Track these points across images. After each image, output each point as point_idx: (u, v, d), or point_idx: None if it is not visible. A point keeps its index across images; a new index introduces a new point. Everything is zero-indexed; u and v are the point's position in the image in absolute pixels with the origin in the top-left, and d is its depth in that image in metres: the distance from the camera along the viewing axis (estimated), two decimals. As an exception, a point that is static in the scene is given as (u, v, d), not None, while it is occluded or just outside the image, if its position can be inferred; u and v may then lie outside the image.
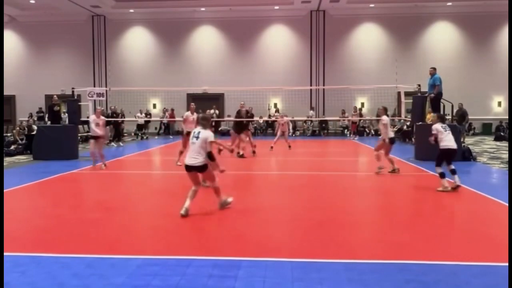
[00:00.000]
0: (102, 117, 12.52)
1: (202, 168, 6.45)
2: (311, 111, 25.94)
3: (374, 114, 25.14)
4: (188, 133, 11.96)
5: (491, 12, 25.12)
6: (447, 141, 8.43)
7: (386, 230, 5.94)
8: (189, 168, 6.48)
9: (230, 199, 6.89)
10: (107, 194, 8.70)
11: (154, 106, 27.48)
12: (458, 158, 12.51)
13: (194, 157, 6.40)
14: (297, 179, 10.28)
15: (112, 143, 20.06)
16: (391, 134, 10.71)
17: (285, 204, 7.53)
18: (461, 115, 18.34)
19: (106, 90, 20.98)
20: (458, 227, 6.07)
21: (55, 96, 17.49)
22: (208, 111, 20.98)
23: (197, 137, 6.45)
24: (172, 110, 25.80)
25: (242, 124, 14.34)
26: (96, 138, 11.95)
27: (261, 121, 25.22)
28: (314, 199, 7.94)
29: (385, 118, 10.56)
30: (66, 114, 20.69)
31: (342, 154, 16.39)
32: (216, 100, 26.87)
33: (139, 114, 24.50)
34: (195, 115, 12.23)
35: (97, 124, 11.96)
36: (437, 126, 8.54)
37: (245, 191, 9.18)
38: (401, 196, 8.42)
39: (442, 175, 8.28)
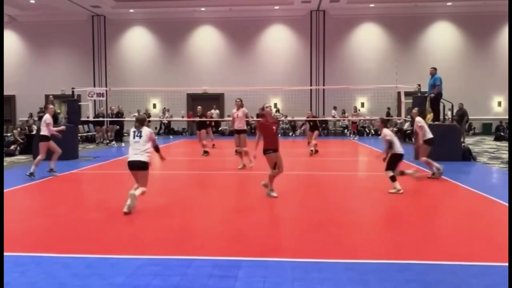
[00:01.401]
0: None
1: (144, 165, 6.68)
2: (334, 111, 25.42)
3: (374, 114, 25.24)
4: (237, 131, 11.69)
5: (491, 12, 25.09)
6: (399, 146, 8.46)
7: (386, 230, 5.95)
8: (132, 165, 6.71)
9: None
10: (107, 194, 8.71)
11: (154, 106, 27.43)
12: (458, 158, 12.49)
13: (139, 153, 6.67)
14: (297, 179, 10.26)
15: (113, 143, 20.15)
16: (428, 135, 10.03)
17: (285, 204, 7.51)
18: (461, 115, 18.33)
19: (106, 90, 20.69)
20: (458, 227, 6.06)
21: (50, 96, 17.54)
22: (210, 111, 20.89)
23: (140, 136, 6.76)
24: (189, 112, 25.97)
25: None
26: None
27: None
28: (314, 199, 7.94)
29: (420, 120, 10.25)
30: (62, 114, 20.85)
31: (342, 154, 16.44)
32: (216, 100, 26.81)
33: (136, 114, 24.32)
34: (240, 111, 11.62)
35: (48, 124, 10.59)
36: (390, 132, 8.52)
37: (244, 191, 9.19)
38: (401, 196, 8.35)
39: (394, 178, 8.28)
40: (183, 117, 25.92)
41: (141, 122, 6.88)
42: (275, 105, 26.26)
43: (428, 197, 8.17)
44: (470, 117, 20.20)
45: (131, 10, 26.83)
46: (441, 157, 11.04)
